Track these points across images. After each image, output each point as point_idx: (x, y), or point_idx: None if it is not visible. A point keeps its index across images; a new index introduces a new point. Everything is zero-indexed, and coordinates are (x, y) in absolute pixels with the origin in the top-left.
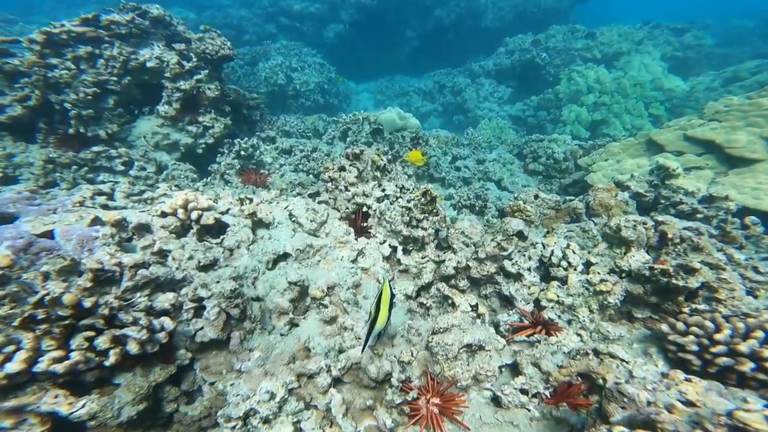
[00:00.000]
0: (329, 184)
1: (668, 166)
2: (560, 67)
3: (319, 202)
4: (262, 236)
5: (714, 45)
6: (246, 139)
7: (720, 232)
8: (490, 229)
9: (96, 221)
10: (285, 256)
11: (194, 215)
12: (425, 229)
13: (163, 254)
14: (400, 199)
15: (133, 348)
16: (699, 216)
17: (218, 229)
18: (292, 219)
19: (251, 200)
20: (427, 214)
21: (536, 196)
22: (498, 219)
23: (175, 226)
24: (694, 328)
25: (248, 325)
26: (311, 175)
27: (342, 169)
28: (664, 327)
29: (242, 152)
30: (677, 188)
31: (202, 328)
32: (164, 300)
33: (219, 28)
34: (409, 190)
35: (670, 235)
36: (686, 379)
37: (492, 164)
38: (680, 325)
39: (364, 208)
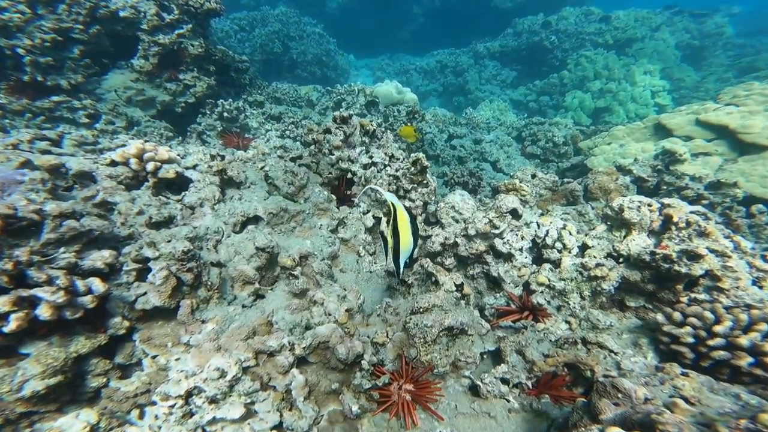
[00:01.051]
0: (312, 147)
1: (675, 150)
2: (569, 51)
3: (300, 165)
4: (231, 196)
5: (734, 35)
6: (231, 101)
7: (724, 219)
8: (482, 207)
9: (26, 164)
10: (256, 220)
11: (150, 167)
12: (413, 201)
13: (106, 207)
14: (388, 168)
15: (44, 313)
16: (704, 202)
17: (181, 185)
18: (268, 181)
19: (223, 157)
20: (416, 185)
21: (533, 175)
22: (491, 198)
23: (125, 177)
24: (692, 319)
25: (203, 293)
26: (298, 143)
27: (327, 131)
28: (660, 317)
29: (225, 114)
30: (681, 174)
31: (144, 293)
32: (97, 258)
33: None
34: (399, 159)
35: (675, 219)
36: (683, 374)
37: (489, 145)
38: (677, 315)
39: (349, 175)
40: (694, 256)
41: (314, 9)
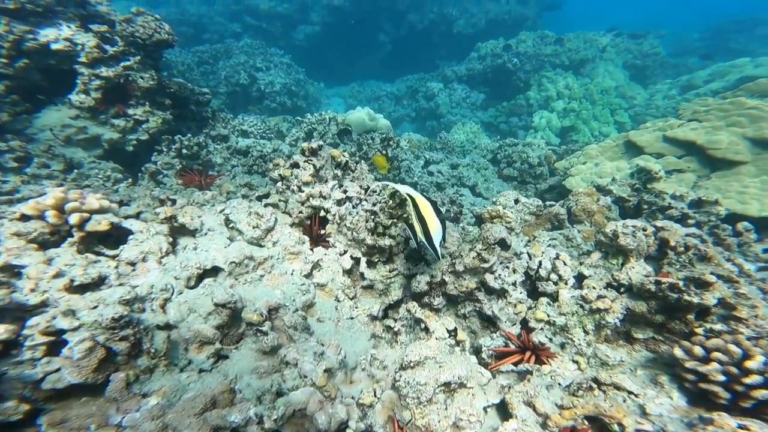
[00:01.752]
0: (279, 184)
1: (650, 168)
2: (531, 72)
3: (266, 206)
4: (185, 246)
5: (667, 55)
6: (190, 136)
7: (714, 239)
8: (467, 237)
9: None
10: (215, 271)
11: (74, 219)
12: (393, 237)
13: (12, 272)
14: (364, 202)
15: None
16: (690, 222)
17: (122, 238)
18: (230, 225)
19: (174, 201)
20: (395, 220)
21: (517, 201)
22: (474, 225)
23: (41, 234)
24: (717, 354)
25: (145, 362)
26: (267, 178)
27: (295, 165)
28: (678, 352)
29: (185, 150)
30: (660, 192)
31: (57, 369)
32: None
33: (175, 26)
34: (375, 191)
35: (672, 243)
36: (740, 426)
37: (466, 169)
38: (698, 350)
39: (322, 213)
40: (701, 284)
41: (281, 41)
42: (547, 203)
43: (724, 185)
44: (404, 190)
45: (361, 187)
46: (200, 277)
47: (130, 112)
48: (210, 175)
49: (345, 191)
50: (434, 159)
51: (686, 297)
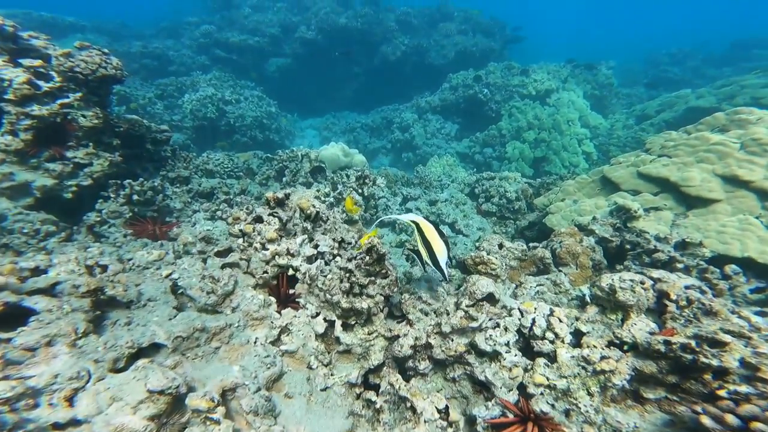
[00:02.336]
0: (241, 241)
1: (628, 207)
2: (501, 103)
3: (224, 266)
4: (114, 321)
5: (618, 85)
6: (142, 180)
7: (706, 284)
8: (451, 286)
9: None
10: (155, 349)
11: None
12: (371, 297)
13: None
14: (338, 258)
15: None
16: (678, 265)
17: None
18: (179, 291)
19: (105, 267)
20: (373, 277)
21: (501, 245)
22: (456, 269)
23: None
24: (759, 425)
25: None
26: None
27: (258, 219)
28: (707, 420)
29: (136, 196)
30: (641, 231)
31: None
32: None
33: (137, 59)
34: (350, 244)
35: (672, 296)
36: None
37: (444, 205)
38: (731, 419)
39: (291, 271)
40: (715, 343)
41: (252, 73)
42: (531, 245)
43: (702, 224)
44: (407, 218)
45: (334, 240)
46: (133, 358)
47: (69, 154)
48: (167, 223)
49: (316, 246)
50: (412, 195)
51: (703, 359)
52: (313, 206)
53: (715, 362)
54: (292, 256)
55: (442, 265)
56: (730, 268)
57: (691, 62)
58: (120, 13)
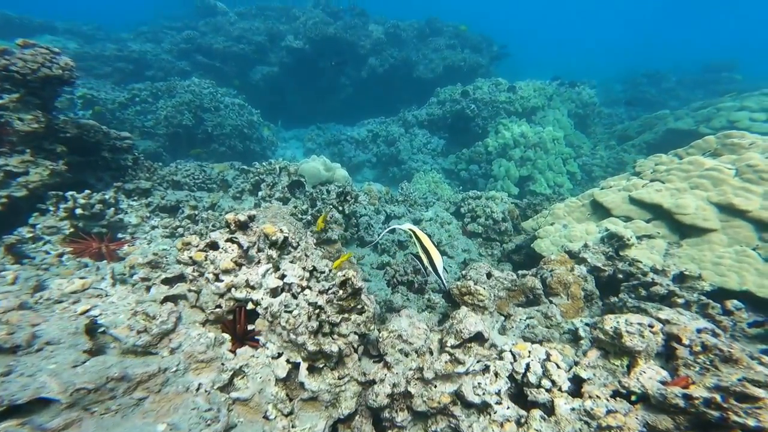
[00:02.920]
0: (190, 270)
1: (621, 234)
2: (488, 119)
3: (166, 299)
4: None
5: (599, 104)
6: (88, 191)
7: (709, 320)
8: (435, 311)
9: None
10: (43, 406)
11: None
12: (344, 336)
13: None
14: (308, 291)
15: None
16: (678, 300)
17: None
18: (99, 330)
19: None
20: (347, 314)
21: (489, 275)
22: (442, 298)
23: None
24: None
25: None
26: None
27: (213, 246)
28: None
29: (80, 210)
30: (633, 260)
31: None
32: None
33: (110, 62)
34: (324, 273)
35: (684, 341)
36: None
37: (429, 224)
38: None
39: (250, 305)
40: (744, 398)
41: (233, 81)
42: (520, 273)
43: (697, 254)
44: (405, 227)
45: (304, 269)
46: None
47: (0, 161)
48: (117, 241)
49: (283, 276)
50: (396, 213)
51: (735, 417)
52: (281, 231)
53: (751, 422)
54: (252, 288)
55: (440, 272)
56: (732, 304)
57: (666, 84)
58: (98, 17)
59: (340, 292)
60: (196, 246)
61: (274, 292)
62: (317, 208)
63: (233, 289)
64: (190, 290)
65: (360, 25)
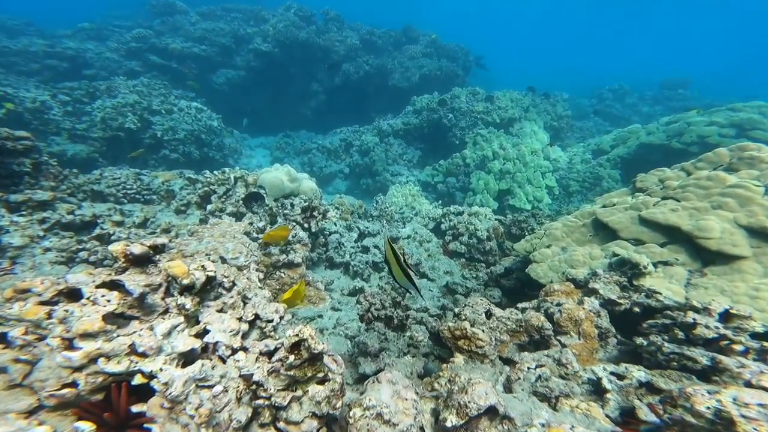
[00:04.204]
0: (18, 331)
1: (636, 261)
2: (465, 129)
3: None
4: None
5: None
6: None
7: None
8: (416, 361)
9: None
10: None
11: None
12: (296, 426)
13: None
14: (241, 355)
15: None
16: (736, 348)
17: None
18: None
19: None
20: (300, 386)
21: (489, 314)
22: (424, 334)
23: None
24: None
25: None
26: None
27: (70, 295)
28: None
29: None
30: (651, 291)
31: None
32: None
33: (38, 59)
34: (272, 321)
35: None
36: None
37: (407, 243)
38: None
39: (138, 377)
40: None
41: (197, 85)
42: (520, 306)
43: (727, 285)
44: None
45: (241, 320)
46: None
47: None
48: None
49: (204, 332)
50: (370, 230)
51: None
52: (201, 269)
53: None
54: (143, 356)
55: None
56: None
57: (630, 99)
58: (35, 16)
59: (291, 357)
60: (40, 294)
61: (186, 359)
62: (278, 225)
63: (102, 361)
64: (17, 359)
65: (334, 30)
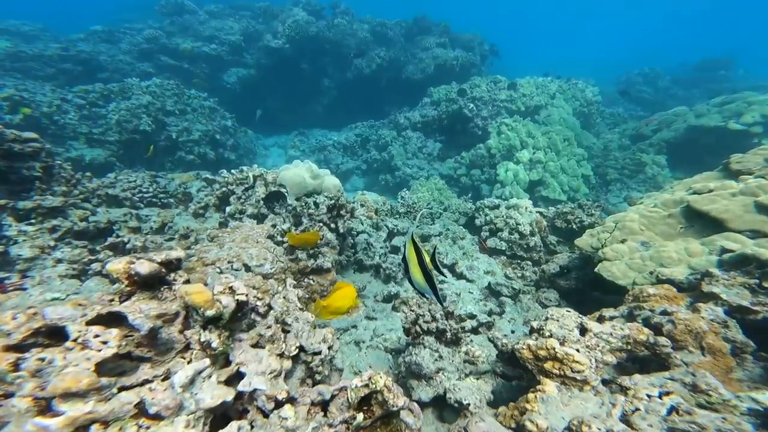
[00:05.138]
0: None
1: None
2: (488, 119)
3: None
4: None
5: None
6: None
7: None
8: (483, 384)
9: None
10: None
11: None
12: None
13: None
14: (288, 409)
15: None
16: None
17: None
18: None
19: None
20: None
21: (583, 329)
22: (484, 348)
23: None
24: None
25: None
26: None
27: (52, 334)
28: None
29: None
30: None
31: None
32: None
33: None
34: (319, 354)
35: None
36: None
37: (439, 240)
38: None
39: None
40: None
41: (205, 84)
42: (607, 314)
43: None
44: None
45: (282, 356)
46: None
47: None
48: None
49: (237, 374)
50: (399, 229)
51: None
52: (230, 291)
53: None
54: (156, 419)
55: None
56: None
57: (662, 82)
58: (48, 21)
59: (360, 417)
60: (8, 334)
61: (215, 414)
62: (304, 227)
63: (97, 429)
64: None
65: (344, 24)
